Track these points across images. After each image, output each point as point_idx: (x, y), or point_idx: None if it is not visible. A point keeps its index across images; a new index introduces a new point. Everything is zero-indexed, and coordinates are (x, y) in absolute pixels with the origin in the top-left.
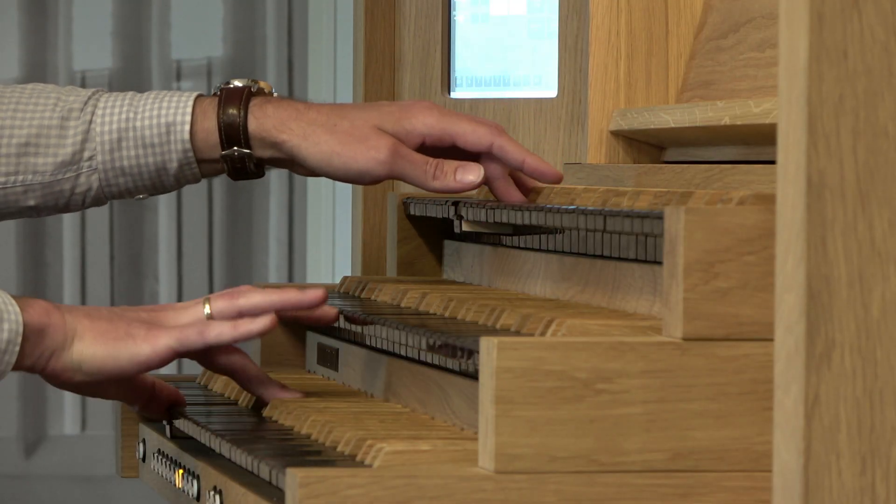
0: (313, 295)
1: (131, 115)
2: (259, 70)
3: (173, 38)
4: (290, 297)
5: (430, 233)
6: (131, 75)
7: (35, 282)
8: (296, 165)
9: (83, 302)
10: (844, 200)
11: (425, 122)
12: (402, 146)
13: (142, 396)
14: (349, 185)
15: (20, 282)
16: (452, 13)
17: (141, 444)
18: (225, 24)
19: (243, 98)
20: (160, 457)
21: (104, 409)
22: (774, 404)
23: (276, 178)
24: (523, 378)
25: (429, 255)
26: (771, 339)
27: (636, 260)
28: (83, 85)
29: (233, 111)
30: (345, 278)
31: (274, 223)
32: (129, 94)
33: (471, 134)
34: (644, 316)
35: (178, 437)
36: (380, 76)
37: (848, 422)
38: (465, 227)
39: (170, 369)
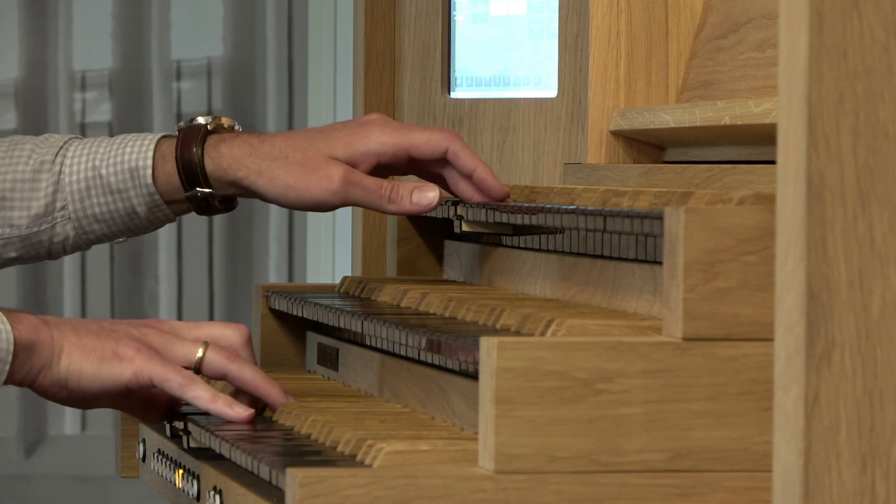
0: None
1: (97, 162)
2: (259, 70)
3: (173, 38)
4: (274, 394)
5: (430, 233)
6: (131, 75)
7: (35, 282)
8: (257, 198)
9: (83, 302)
10: (844, 200)
11: (378, 141)
12: (353, 173)
13: (135, 405)
14: None
15: (20, 282)
16: (452, 13)
17: (141, 444)
18: (225, 24)
19: (199, 138)
20: (160, 457)
21: (104, 410)
22: (774, 404)
23: None
24: (523, 378)
25: (429, 255)
26: (771, 339)
27: (636, 260)
28: (83, 85)
29: (189, 153)
30: (345, 278)
31: (274, 223)
32: (98, 140)
33: (424, 143)
34: (644, 316)
35: (178, 437)
36: (380, 76)
37: (848, 422)
38: (465, 228)
39: None
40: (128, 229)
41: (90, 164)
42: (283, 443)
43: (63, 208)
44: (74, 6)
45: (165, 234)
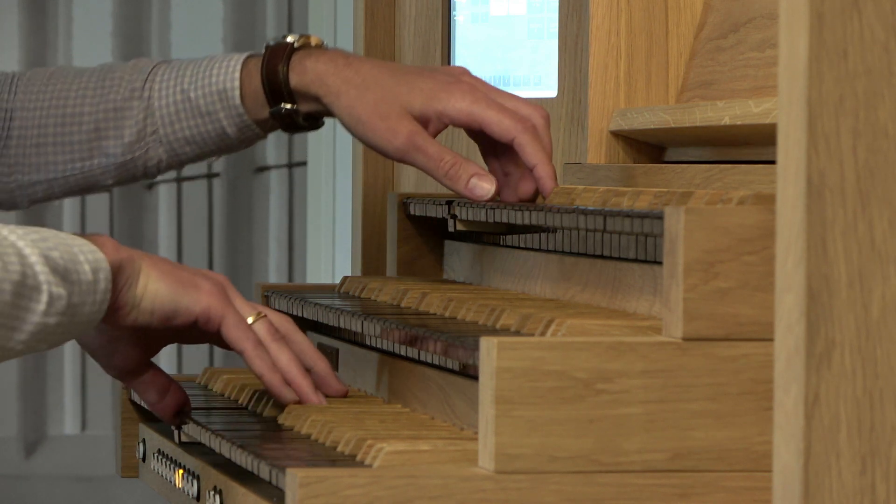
0: (336, 391)
1: (185, 85)
2: None
3: (173, 38)
4: (304, 386)
5: (430, 233)
6: None
7: None
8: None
9: None
10: (844, 200)
11: (456, 107)
12: (420, 136)
13: (155, 386)
14: (349, 186)
15: None
16: (452, 13)
17: (141, 444)
18: (225, 24)
19: (285, 55)
20: (160, 457)
21: (104, 409)
22: (774, 404)
23: (276, 178)
24: (523, 378)
25: (429, 255)
26: (771, 339)
27: (636, 260)
28: None
29: (274, 69)
30: (345, 278)
31: (274, 223)
32: (185, 62)
33: (496, 125)
34: (644, 316)
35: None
36: None
37: (848, 422)
38: (460, 227)
39: (170, 369)
40: (218, 149)
41: (178, 88)
42: (282, 443)
43: (154, 133)
44: (74, 6)
45: (165, 233)
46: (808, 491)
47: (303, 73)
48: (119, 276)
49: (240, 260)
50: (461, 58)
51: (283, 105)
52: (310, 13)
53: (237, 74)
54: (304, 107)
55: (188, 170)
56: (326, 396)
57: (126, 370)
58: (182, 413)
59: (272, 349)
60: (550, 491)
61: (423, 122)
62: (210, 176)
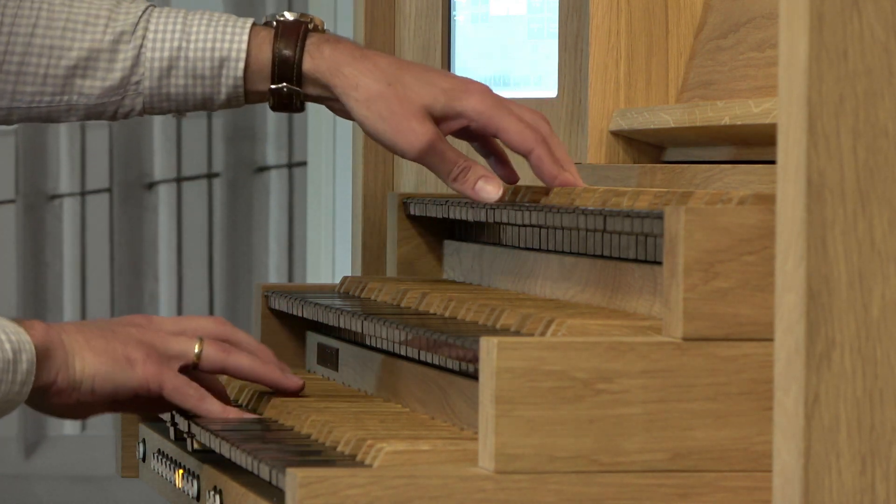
0: (293, 384)
1: (184, 42)
2: None
3: None
4: (272, 375)
5: (430, 233)
6: None
7: (35, 282)
8: (337, 108)
9: (83, 302)
10: (844, 200)
11: (476, 108)
12: (440, 141)
13: (130, 407)
14: (349, 186)
15: (20, 282)
16: (452, 13)
17: (141, 444)
18: None
19: (300, 35)
20: (160, 457)
21: None
22: (774, 404)
23: (276, 177)
24: (523, 378)
25: (429, 255)
26: (771, 339)
27: (636, 260)
28: None
29: (288, 48)
30: (345, 278)
31: (274, 223)
32: (182, 13)
33: (515, 134)
34: (644, 316)
35: (181, 440)
36: None
37: (848, 422)
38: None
39: None
40: (195, 109)
41: (175, 44)
42: (282, 443)
43: (138, 83)
44: None
45: (165, 233)
46: (808, 491)
47: (319, 59)
48: (49, 359)
49: (240, 260)
50: (461, 58)
51: (285, 85)
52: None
53: (244, 45)
54: (310, 91)
55: (188, 170)
56: (289, 395)
57: (93, 415)
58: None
59: (230, 364)
60: (550, 491)
61: (442, 120)
62: (210, 176)
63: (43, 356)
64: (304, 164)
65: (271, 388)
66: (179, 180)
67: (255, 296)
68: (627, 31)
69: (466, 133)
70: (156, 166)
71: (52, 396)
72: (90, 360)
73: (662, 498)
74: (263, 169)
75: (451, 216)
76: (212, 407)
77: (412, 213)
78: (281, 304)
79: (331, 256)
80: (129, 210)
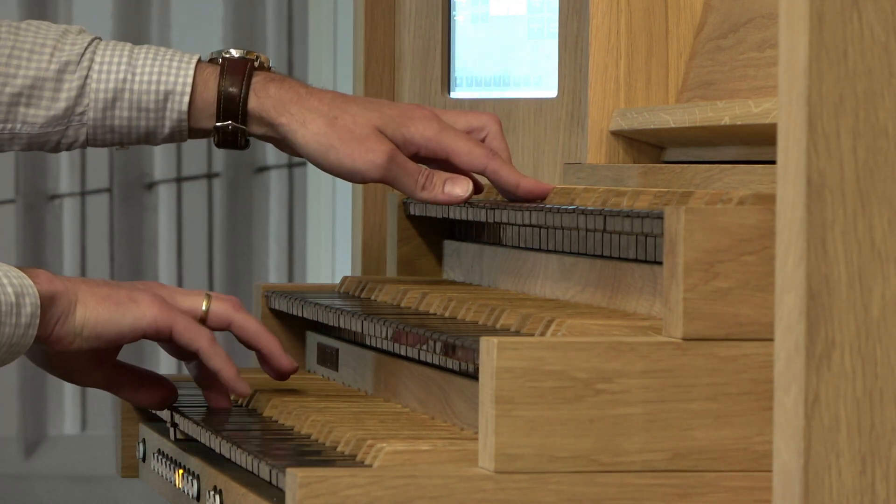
0: (289, 363)
1: (129, 75)
2: None
3: (173, 38)
4: (274, 344)
5: (430, 233)
6: None
7: None
8: (284, 145)
9: None
10: (844, 200)
11: (423, 134)
12: (399, 153)
13: (127, 382)
14: (349, 186)
15: None
16: (452, 13)
17: (141, 444)
18: (225, 24)
19: (246, 73)
20: (160, 457)
21: (104, 409)
22: (774, 404)
23: (276, 177)
24: (523, 378)
25: (429, 255)
26: (771, 339)
27: (636, 260)
28: None
29: (234, 86)
30: (345, 278)
31: (274, 223)
32: (128, 47)
33: (465, 155)
34: (644, 316)
35: (181, 441)
36: (380, 76)
37: (848, 422)
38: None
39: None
40: (139, 142)
41: (121, 76)
42: (282, 443)
43: (82, 114)
44: (74, 6)
45: (165, 233)
46: (808, 491)
47: (265, 98)
48: (52, 306)
49: (240, 260)
50: (461, 58)
51: (230, 123)
52: (310, 13)
53: (189, 79)
54: (252, 129)
55: (188, 170)
56: (279, 374)
57: (90, 382)
58: (165, 402)
59: (237, 320)
60: (550, 491)
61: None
62: (210, 176)
63: (48, 303)
64: (304, 164)
65: (268, 359)
66: (179, 180)
67: (255, 296)
68: (627, 31)
69: (416, 159)
70: (156, 166)
71: (54, 344)
72: (93, 304)
73: (662, 498)
74: (263, 169)
75: (451, 216)
76: (220, 356)
77: (412, 213)
78: (281, 305)
79: (331, 256)
80: (129, 210)
